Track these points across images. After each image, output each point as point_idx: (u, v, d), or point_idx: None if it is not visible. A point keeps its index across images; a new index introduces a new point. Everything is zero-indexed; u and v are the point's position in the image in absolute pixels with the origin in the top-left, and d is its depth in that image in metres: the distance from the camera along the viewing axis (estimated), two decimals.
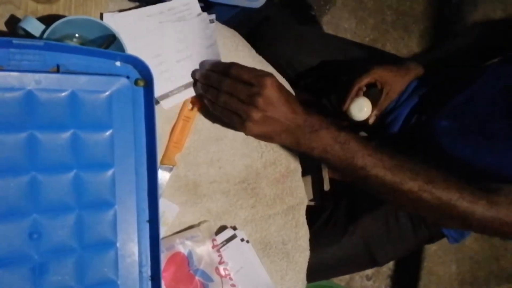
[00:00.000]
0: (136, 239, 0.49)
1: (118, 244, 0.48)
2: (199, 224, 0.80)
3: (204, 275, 0.76)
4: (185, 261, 0.77)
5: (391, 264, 1.70)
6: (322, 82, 1.09)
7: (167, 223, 0.77)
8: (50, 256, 0.44)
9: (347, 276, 1.59)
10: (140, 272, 0.49)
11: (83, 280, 0.45)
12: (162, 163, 0.78)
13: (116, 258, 0.47)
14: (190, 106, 0.79)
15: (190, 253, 0.78)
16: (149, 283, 0.49)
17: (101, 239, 0.46)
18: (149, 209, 0.50)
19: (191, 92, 0.76)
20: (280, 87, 0.66)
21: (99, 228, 0.46)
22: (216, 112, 0.71)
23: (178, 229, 0.79)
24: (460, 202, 0.61)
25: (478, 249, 1.87)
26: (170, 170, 0.78)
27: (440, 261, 1.79)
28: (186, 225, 0.79)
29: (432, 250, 1.77)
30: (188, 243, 0.78)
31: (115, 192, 0.47)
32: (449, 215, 0.63)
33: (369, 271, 1.66)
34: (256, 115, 0.64)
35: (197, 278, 0.76)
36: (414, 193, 0.62)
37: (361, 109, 0.98)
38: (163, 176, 0.78)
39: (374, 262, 1.07)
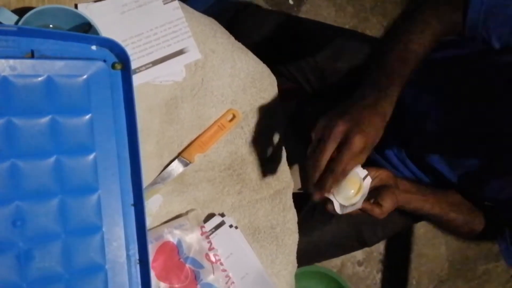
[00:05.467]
0: (121, 223, 0.49)
1: (103, 229, 0.47)
2: (186, 213, 0.80)
3: (195, 262, 0.76)
4: (175, 250, 0.77)
5: (381, 248, 1.71)
6: (304, 68, 1.09)
7: (151, 213, 0.77)
8: (35, 243, 0.44)
9: (338, 263, 1.60)
10: (128, 255, 0.49)
11: (70, 266, 0.45)
12: (182, 155, 0.78)
13: (103, 243, 0.47)
14: (230, 116, 0.80)
15: (179, 242, 0.77)
16: (137, 266, 0.49)
17: (86, 223, 0.46)
18: (133, 193, 0.49)
19: (159, 69, 0.75)
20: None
21: (83, 213, 0.46)
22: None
23: (165, 219, 0.79)
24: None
25: None
26: (185, 165, 0.78)
27: (430, 243, 1.81)
28: (174, 215, 0.79)
29: (421, 232, 1.79)
30: (177, 232, 0.78)
31: (97, 176, 0.47)
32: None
33: (360, 257, 1.67)
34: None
35: (187, 265, 0.76)
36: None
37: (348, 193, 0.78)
38: (177, 167, 0.78)
39: (363, 243, 1.08)
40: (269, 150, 0.85)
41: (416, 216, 0.92)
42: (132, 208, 0.49)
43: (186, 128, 0.79)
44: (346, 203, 0.78)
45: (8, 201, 0.42)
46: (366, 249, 1.68)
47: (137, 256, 0.49)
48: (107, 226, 0.47)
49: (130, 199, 0.49)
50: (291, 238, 0.84)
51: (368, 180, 0.80)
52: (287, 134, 0.88)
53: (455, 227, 0.87)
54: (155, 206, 0.78)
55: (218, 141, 0.81)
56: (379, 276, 1.71)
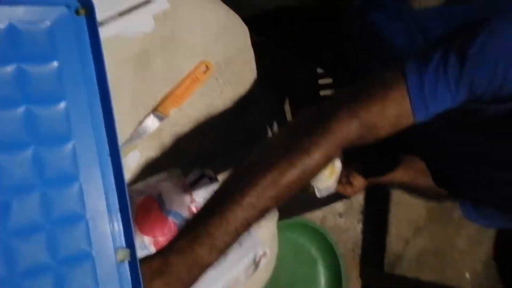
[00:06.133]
0: (99, 173, 0.48)
1: (81, 179, 0.47)
2: (166, 168, 0.80)
3: (177, 215, 0.77)
4: (156, 204, 0.77)
5: (361, 199, 1.76)
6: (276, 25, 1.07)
7: (130, 170, 0.77)
8: (11, 195, 0.43)
9: (319, 215, 1.64)
10: (108, 205, 0.48)
11: (50, 216, 0.45)
12: (156, 109, 0.77)
13: (81, 193, 0.47)
14: (203, 68, 0.78)
15: (160, 196, 0.78)
16: (118, 214, 0.49)
17: (62, 173, 0.45)
18: (109, 143, 0.49)
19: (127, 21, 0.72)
20: None
21: (59, 163, 0.45)
22: None
23: (145, 175, 0.79)
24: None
25: None
26: (161, 119, 0.77)
27: (407, 191, 1.86)
28: (153, 170, 0.79)
29: None
30: (157, 186, 0.78)
31: (70, 126, 0.46)
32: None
33: (340, 209, 1.71)
34: None
35: (170, 219, 0.76)
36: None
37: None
38: (152, 123, 0.77)
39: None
40: (244, 101, 0.84)
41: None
42: (109, 158, 0.48)
43: (159, 82, 0.77)
44: (321, 186, 0.80)
45: None
46: (346, 201, 1.72)
47: (117, 206, 0.49)
48: (85, 177, 0.47)
49: (106, 150, 0.48)
50: None
51: (339, 161, 0.82)
52: (261, 85, 0.88)
53: (422, 192, 0.91)
54: (134, 163, 0.78)
55: (193, 94, 0.80)
56: (359, 226, 1.76)
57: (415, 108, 0.53)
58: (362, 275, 1.71)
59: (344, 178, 0.84)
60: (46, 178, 0.45)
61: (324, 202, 1.13)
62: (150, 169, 0.79)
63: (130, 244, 0.49)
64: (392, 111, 0.54)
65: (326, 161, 0.55)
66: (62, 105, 0.46)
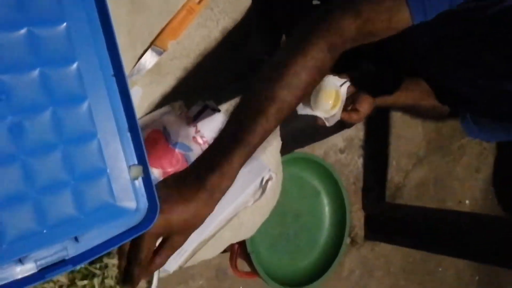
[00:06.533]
0: (106, 94, 0.49)
1: (89, 99, 0.48)
2: (168, 102, 0.81)
3: (183, 146, 0.79)
4: (162, 138, 0.79)
5: (361, 135, 1.78)
6: None
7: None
8: (23, 115, 0.44)
9: (321, 152, 1.67)
10: (117, 124, 0.50)
11: (62, 134, 0.46)
12: (154, 44, 0.76)
13: (90, 112, 0.48)
14: None
15: (165, 129, 0.79)
16: (128, 133, 0.50)
17: (70, 93, 0.46)
18: (112, 64, 0.49)
19: None
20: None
21: (65, 83, 0.46)
22: None
23: (148, 111, 0.80)
24: None
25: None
26: (160, 53, 0.77)
27: (406, 125, 1.88)
28: (156, 105, 0.80)
29: (398, 115, 1.85)
30: (162, 120, 0.79)
31: (73, 46, 0.47)
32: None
33: (341, 144, 1.73)
34: None
35: (177, 150, 0.78)
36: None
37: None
38: (151, 57, 0.76)
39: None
40: (242, 31, 0.84)
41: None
42: (114, 79, 0.49)
43: (155, 15, 0.77)
44: (327, 115, 0.81)
45: None
46: (347, 136, 1.74)
47: (126, 125, 0.50)
48: (92, 97, 0.48)
49: (110, 70, 0.49)
50: None
51: (345, 86, 0.82)
52: (258, 14, 0.87)
53: (425, 112, 0.92)
54: (136, 98, 0.79)
55: (189, 25, 0.79)
56: (360, 161, 1.79)
57: (413, 10, 0.53)
58: (365, 206, 1.76)
59: (350, 105, 0.84)
60: (55, 98, 0.46)
61: (328, 133, 1.14)
62: (152, 104, 0.80)
63: (142, 161, 0.51)
64: (388, 4, 0.54)
65: (333, 57, 0.58)
66: (63, 26, 0.46)
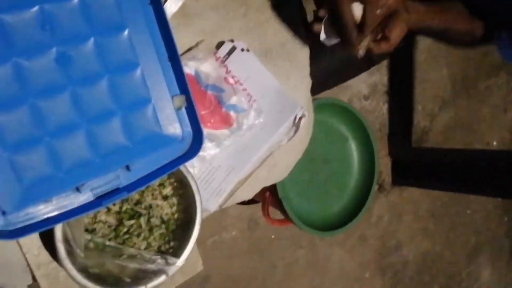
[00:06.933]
0: (144, 21, 0.49)
1: (129, 28, 0.48)
2: (197, 44, 0.80)
3: (215, 88, 0.79)
4: (193, 81, 0.79)
5: (385, 80, 1.75)
6: None
7: None
8: (67, 45, 0.45)
9: (345, 99, 1.65)
10: (158, 54, 0.50)
11: (107, 64, 0.47)
12: None
13: (131, 42, 0.48)
14: None
15: (196, 72, 0.79)
16: (169, 63, 0.51)
17: (110, 23, 0.47)
18: None
19: None
20: None
21: (105, 13, 0.46)
22: None
23: None
24: None
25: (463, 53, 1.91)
26: None
27: (431, 68, 1.84)
28: (184, 48, 0.80)
29: (422, 58, 1.82)
30: (192, 63, 0.79)
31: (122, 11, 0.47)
32: None
33: (365, 91, 1.71)
34: None
35: (209, 92, 0.78)
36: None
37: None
38: (176, 0, 0.75)
39: (370, 62, 1.10)
40: None
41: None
42: (151, 8, 0.49)
43: None
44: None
45: (31, 4, 0.42)
46: (370, 82, 1.72)
47: (166, 55, 0.50)
48: (131, 26, 0.48)
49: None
50: (303, 53, 0.85)
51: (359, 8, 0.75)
52: None
53: (459, 37, 0.88)
54: None
55: None
56: (385, 107, 1.77)
57: None
58: (391, 152, 1.75)
59: (380, 34, 0.81)
60: (96, 28, 0.46)
61: (355, 72, 1.12)
62: (181, 47, 0.79)
63: (185, 90, 0.52)
64: None
65: None
66: None
